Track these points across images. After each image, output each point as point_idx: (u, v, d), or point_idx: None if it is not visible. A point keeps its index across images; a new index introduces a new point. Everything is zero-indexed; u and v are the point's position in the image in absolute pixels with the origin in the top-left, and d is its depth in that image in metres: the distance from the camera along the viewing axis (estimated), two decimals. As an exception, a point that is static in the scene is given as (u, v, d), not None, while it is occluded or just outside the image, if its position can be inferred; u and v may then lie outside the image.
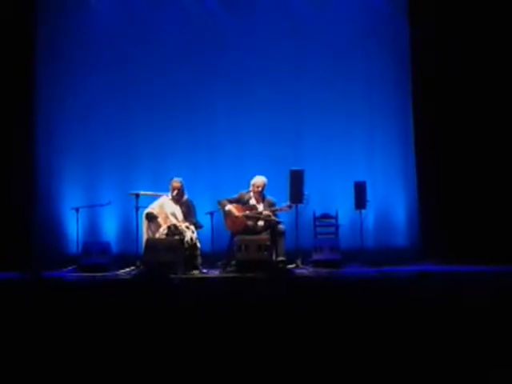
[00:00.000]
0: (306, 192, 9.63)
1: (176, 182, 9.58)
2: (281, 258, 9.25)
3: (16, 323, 3.06)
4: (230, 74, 11.18)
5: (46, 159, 11.21)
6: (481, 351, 2.73)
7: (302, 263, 9.51)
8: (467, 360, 2.70)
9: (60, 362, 2.79)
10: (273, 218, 9.50)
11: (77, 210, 10.13)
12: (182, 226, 9.37)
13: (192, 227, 9.41)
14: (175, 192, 9.53)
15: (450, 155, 10.45)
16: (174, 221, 9.43)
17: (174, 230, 9.33)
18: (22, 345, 2.88)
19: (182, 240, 9.16)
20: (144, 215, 9.52)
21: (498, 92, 10.31)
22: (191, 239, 9.26)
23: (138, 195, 9.68)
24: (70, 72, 11.22)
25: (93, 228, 11.02)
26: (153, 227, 9.48)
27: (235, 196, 9.73)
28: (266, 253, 8.97)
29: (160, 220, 9.46)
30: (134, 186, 10.30)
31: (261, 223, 9.53)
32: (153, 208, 9.54)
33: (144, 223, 9.52)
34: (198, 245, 9.34)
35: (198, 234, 9.50)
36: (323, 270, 9.15)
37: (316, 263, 9.48)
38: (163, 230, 9.37)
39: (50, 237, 10.96)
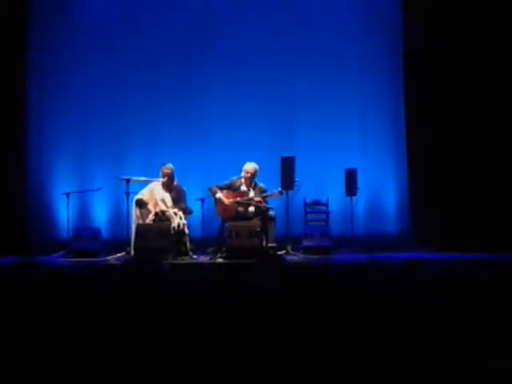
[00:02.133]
0: (296, 179, 9.64)
1: (166, 169, 9.57)
2: (271, 245, 9.26)
3: (6, 307, 3.05)
4: (223, 61, 11.15)
5: (37, 144, 11.17)
6: (473, 337, 2.74)
7: (293, 249, 9.53)
8: (458, 346, 2.71)
9: (49, 348, 2.78)
10: (263, 204, 9.51)
11: (67, 195, 10.10)
12: (170, 211, 9.37)
13: (180, 213, 9.40)
14: (165, 178, 9.53)
15: (441, 143, 10.48)
16: (163, 207, 9.42)
17: (161, 216, 9.33)
18: (11, 329, 2.87)
19: (169, 226, 9.16)
20: (134, 202, 9.51)
21: (489, 80, 10.34)
22: (178, 225, 9.25)
23: (128, 180, 9.65)
24: (61, 59, 11.17)
25: (83, 213, 11.02)
26: (143, 213, 9.48)
27: (226, 182, 9.74)
28: (256, 239, 8.97)
29: (150, 206, 9.45)
30: (125, 172, 10.28)
31: (251, 209, 9.54)
32: (143, 194, 9.54)
33: (134, 209, 9.51)
34: (187, 231, 9.33)
35: (188, 220, 9.49)
36: (314, 257, 9.18)
37: (306, 250, 9.50)
38: (151, 216, 9.37)
39: (40, 222, 10.95)
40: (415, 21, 10.59)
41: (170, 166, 9.63)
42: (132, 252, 9.18)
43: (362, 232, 10.64)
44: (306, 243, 9.61)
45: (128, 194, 9.60)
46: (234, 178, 9.75)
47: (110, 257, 9.34)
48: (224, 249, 9.13)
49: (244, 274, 3.59)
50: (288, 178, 9.61)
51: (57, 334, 2.86)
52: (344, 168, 10.18)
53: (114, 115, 11.17)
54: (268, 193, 9.65)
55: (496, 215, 10.05)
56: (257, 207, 9.51)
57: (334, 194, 10.55)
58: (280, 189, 9.58)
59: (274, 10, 11.23)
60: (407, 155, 10.83)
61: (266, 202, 9.61)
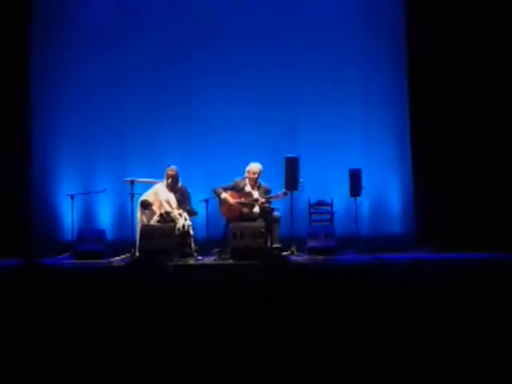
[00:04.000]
0: (301, 179, 9.64)
1: (171, 170, 9.58)
2: (276, 245, 9.27)
3: (11, 309, 3.06)
4: (226, 62, 11.14)
5: (41, 146, 11.18)
6: (477, 338, 2.74)
7: (297, 250, 9.53)
8: (462, 346, 2.71)
9: (54, 350, 2.79)
10: (267, 205, 9.51)
11: (72, 196, 10.12)
12: (175, 213, 9.38)
13: (185, 214, 9.41)
14: (170, 180, 9.54)
15: (446, 143, 10.47)
16: (168, 208, 9.43)
17: (166, 218, 9.34)
18: (15, 331, 2.88)
19: (174, 227, 9.17)
20: (139, 203, 9.52)
21: (494, 80, 10.33)
22: (183, 226, 9.26)
23: (133, 182, 9.67)
24: (65, 59, 11.18)
25: (88, 215, 11.02)
26: (148, 214, 9.48)
27: (230, 184, 9.73)
28: (261, 240, 8.98)
29: (154, 207, 9.46)
30: (129, 173, 10.29)
31: (256, 210, 9.55)
32: (147, 195, 9.54)
33: (139, 210, 9.52)
34: (191, 232, 9.34)
35: (193, 221, 9.50)
36: (318, 257, 9.17)
37: (311, 250, 9.49)
38: (156, 217, 9.38)
39: (45, 223, 10.96)
40: (418, 20, 10.57)
41: (175, 167, 9.64)
42: (137, 253, 9.19)
43: (366, 232, 10.64)
44: (310, 244, 9.60)
45: (132, 196, 9.62)
46: (238, 179, 9.75)
47: (115, 258, 9.35)
48: (228, 250, 9.14)
49: (248, 275, 3.59)
50: (292, 179, 9.60)
51: (62, 336, 2.86)
52: (348, 168, 10.17)
53: (117, 117, 11.18)
54: (272, 194, 9.65)
55: (500, 215, 10.04)
56: (261, 208, 9.51)
57: (338, 195, 10.55)
58: (284, 190, 9.58)
59: (275, 10, 11.23)
60: (411, 155, 10.82)
61: (270, 203, 9.61)
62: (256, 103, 11.02)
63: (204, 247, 9.61)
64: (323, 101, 11.03)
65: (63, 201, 10.69)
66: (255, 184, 9.69)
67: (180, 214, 9.37)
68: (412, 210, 10.86)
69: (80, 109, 11.20)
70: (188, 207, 9.57)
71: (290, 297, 3.10)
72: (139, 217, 9.50)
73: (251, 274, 3.66)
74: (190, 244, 9.28)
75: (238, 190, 9.67)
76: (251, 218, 9.50)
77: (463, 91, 10.41)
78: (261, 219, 9.45)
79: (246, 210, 9.54)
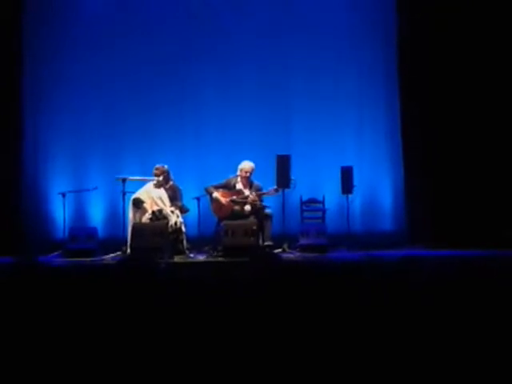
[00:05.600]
0: (292, 177, 9.65)
1: (156, 169, 9.55)
2: (267, 243, 9.27)
3: (2, 308, 3.05)
4: (218, 61, 11.14)
5: (32, 143, 11.14)
6: (469, 335, 2.75)
7: (289, 248, 9.54)
8: (454, 344, 2.71)
9: (45, 349, 2.79)
10: (258, 202, 9.51)
11: (63, 194, 10.08)
12: (167, 210, 9.38)
13: (177, 211, 9.41)
14: (160, 177, 9.53)
15: (437, 141, 10.50)
16: (160, 205, 9.43)
17: (158, 215, 9.33)
18: (6, 329, 2.87)
19: (166, 224, 9.17)
20: (131, 201, 9.50)
21: (486, 79, 10.35)
22: (175, 223, 9.26)
23: (124, 180, 9.65)
24: (57, 58, 11.13)
25: (79, 213, 10.99)
26: (139, 212, 9.47)
27: (222, 182, 9.73)
28: (252, 238, 8.98)
29: (146, 205, 9.45)
30: (121, 171, 10.27)
31: (247, 208, 9.55)
32: (140, 193, 9.54)
33: (131, 208, 9.50)
34: (183, 229, 9.36)
35: (184, 218, 9.51)
36: (310, 255, 9.18)
37: (303, 248, 9.51)
38: (148, 214, 9.37)
39: (36, 221, 10.93)
40: (410, 22, 10.61)
41: (160, 166, 9.59)
42: (128, 251, 9.18)
43: (358, 230, 10.65)
44: (302, 241, 9.61)
45: (124, 194, 9.60)
46: (230, 176, 9.75)
47: (107, 256, 9.34)
48: (220, 247, 9.15)
49: (240, 273, 3.58)
50: (284, 177, 9.62)
51: (54, 334, 2.85)
52: (340, 166, 10.19)
53: (109, 114, 11.15)
54: (264, 191, 9.66)
55: (492, 212, 10.07)
56: (252, 206, 9.51)
57: (330, 192, 10.56)
58: (276, 186, 9.59)
59: (270, 10, 11.22)
60: (403, 153, 10.83)
61: (261, 200, 9.62)
62: (249, 101, 11.01)
63: (195, 245, 9.61)
64: (316, 99, 11.03)
65: (55, 199, 10.65)
66: (247, 182, 9.69)
67: (172, 212, 9.37)
68: (403, 207, 10.87)
69: (72, 106, 11.16)
70: (180, 204, 9.57)
71: (281, 295, 3.10)
72: (131, 215, 9.49)
73: (242, 272, 3.66)
74: (182, 241, 9.29)
75: (229, 187, 9.67)
76: (243, 215, 9.50)
77: (454, 91, 10.43)
78: (252, 217, 9.45)
79: (237, 207, 9.54)
